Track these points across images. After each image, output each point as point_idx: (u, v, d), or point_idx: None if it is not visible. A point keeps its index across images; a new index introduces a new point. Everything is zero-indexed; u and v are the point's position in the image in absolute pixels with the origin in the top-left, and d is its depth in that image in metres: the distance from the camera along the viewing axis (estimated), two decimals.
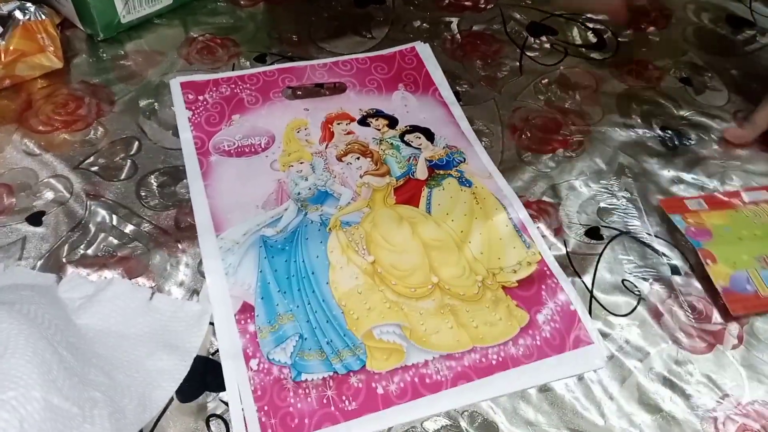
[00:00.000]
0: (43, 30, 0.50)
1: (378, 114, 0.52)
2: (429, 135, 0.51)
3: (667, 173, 0.50)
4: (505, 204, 0.46)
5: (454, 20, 0.62)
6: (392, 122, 0.52)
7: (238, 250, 0.42)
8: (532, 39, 0.61)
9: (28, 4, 0.50)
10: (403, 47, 0.58)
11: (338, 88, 0.54)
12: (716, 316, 0.42)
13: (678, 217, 0.46)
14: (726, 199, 0.48)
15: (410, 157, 0.49)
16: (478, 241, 0.44)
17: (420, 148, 0.50)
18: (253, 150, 0.48)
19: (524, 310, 0.41)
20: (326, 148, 0.49)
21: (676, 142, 0.53)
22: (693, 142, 0.53)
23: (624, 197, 0.48)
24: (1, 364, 0.27)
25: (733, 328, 0.41)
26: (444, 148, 0.50)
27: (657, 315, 0.42)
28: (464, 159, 0.49)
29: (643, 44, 0.62)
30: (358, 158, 0.49)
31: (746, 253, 0.44)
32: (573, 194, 0.48)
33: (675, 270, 0.44)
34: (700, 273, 0.44)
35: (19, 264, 0.41)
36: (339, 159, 0.48)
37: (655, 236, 0.46)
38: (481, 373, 0.38)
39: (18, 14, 0.49)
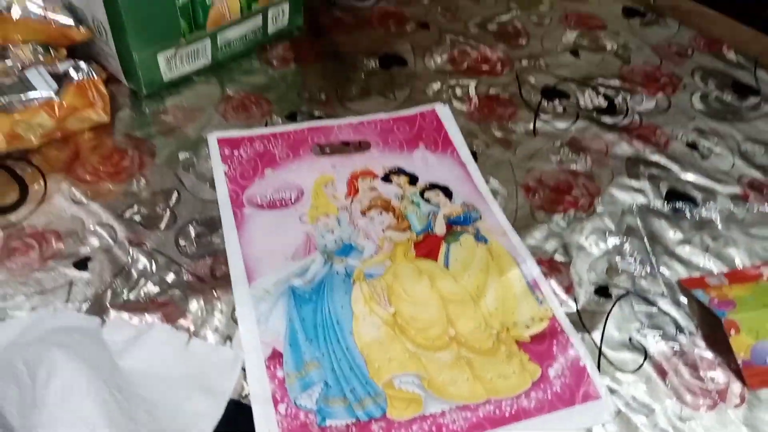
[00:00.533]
0: (94, 87, 0.54)
1: (400, 171, 0.55)
2: (447, 192, 0.54)
3: (674, 235, 0.53)
4: (518, 261, 0.49)
5: (472, 83, 0.66)
6: (413, 179, 0.55)
7: (269, 298, 0.45)
8: (546, 102, 0.64)
9: (82, 63, 0.55)
10: (423, 108, 0.62)
11: (363, 146, 0.58)
12: (720, 375, 0.44)
13: (700, 292, 0.47)
14: (746, 274, 0.50)
15: (429, 214, 0.52)
16: (493, 297, 0.47)
17: (439, 205, 0.53)
18: (283, 203, 0.52)
19: (536, 365, 0.43)
20: (351, 203, 0.52)
21: (682, 205, 0.56)
22: (699, 206, 0.56)
23: (632, 257, 0.51)
24: (71, 403, 0.30)
25: (736, 387, 0.44)
26: (461, 205, 0.53)
27: (662, 372, 0.44)
28: (480, 216, 0.52)
29: (652, 109, 0.65)
30: (381, 213, 0.52)
31: None
32: (583, 253, 0.51)
33: (680, 329, 0.47)
34: (705, 332, 0.46)
35: (66, 307, 0.44)
36: (363, 213, 0.52)
37: (662, 296, 0.48)
38: (495, 424, 0.41)
39: (72, 73, 0.54)
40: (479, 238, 0.51)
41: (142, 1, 0.54)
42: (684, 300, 0.48)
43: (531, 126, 0.62)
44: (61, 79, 0.53)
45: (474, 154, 0.58)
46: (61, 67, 0.54)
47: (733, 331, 0.44)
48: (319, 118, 0.60)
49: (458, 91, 0.65)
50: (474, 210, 0.53)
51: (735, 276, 0.50)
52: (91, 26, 0.57)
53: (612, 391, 0.43)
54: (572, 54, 0.71)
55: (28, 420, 0.32)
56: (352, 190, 0.54)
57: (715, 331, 0.46)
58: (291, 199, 0.52)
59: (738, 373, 0.44)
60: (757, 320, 0.45)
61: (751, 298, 0.47)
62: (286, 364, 0.42)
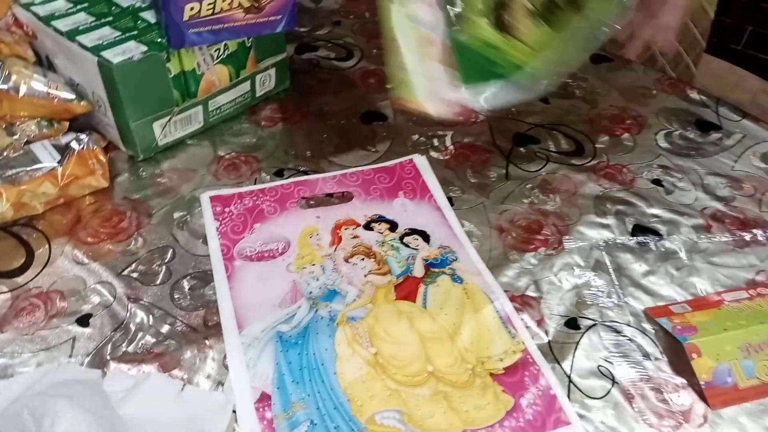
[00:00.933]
0: (94, 157, 0.59)
1: (381, 219, 0.59)
2: (425, 237, 0.58)
3: (639, 267, 0.56)
4: (492, 298, 0.52)
5: (448, 134, 0.70)
6: (393, 226, 0.59)
7: (258, 345, 0.48)
8: (517, 148, 0.69)
9: (82, 135, 0.59)
10: (402, 159, 0.66)
11: (346, 197, 0.62)
12: (684, 397, 0.47)
13: (665, 320, 0.50)
14: (708, 301, 0.53)
15: (409, 257, 0.56)
16: (469, 333, 0.50)
17: (417, 249, 0.57)
18: (271, 255, 0.55)
19: (510, 395, 0.46)
20: (335, 250, 0.56)
21: (647, 239, 0.59)
22: (663, 238, 0.59)
23: (599, 290, 0.54)
24: None
25: (699, 408, 0.46)
26: (438, 248, 0.57)
27: (629, 397, 0.47)
28: (456, 258, 0.56)
29: (619, 149, 0.69)
30: (363, 259, 0.55)
31: (730, 344, 0.47)
32: (553, 288, 0.54)
33: (646, 355, 0.49)
34: (670, 356, 0.49)
35: (69, 361, 0.47)
36: (346, 260, 0.55)
37: (628, 325, 0.51)
38: None
39: (74, 144, 0.58)
40: (455, 278, 0.54)
41: (137, 75, 0.59)
42: (649, 327, 0.51)
43: (504, 171, 0.66)
44: (64, 150, 0.58)
45: (450, 200, 0.62)
46: (63, 139, 0.59)
47: (694, 355, 0.47)
48: (305, 173, 0.64)
49: (435, 142, 0.69)
50: (450, 252, 0.57)
51: (698, 303, 0.53)
52: (91, 100, 0.62)
53: (581, 416, 0.45)
54: (542, 101, 0.76)
55: None
56: (336, 239, 0.57)
57: (680, 356, 0.48)
58: (278, 251, 0.56)
59: (701, 395, 0.46)
60: (718, 344, 0.48)
61: (712, 323, 0.50)
62: (274, 405, 0.45)
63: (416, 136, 0.70)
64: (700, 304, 0.52)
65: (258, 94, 0.72)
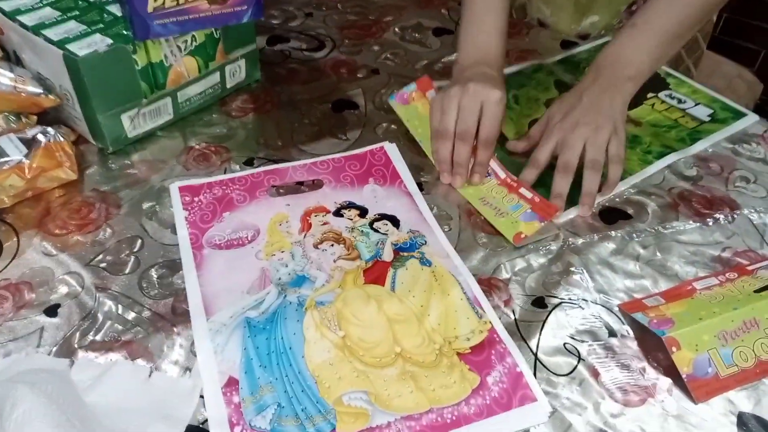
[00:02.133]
0: (61, 149, 0.59)
1: (350, 206, 0.60)
2: (395, 222, 0.58)
3: (607, 245, 0.57)
4: (460, 280, 0.53)
5: None
6: (363, 212, 0.59)
7: (225, 331, 0.48)
8: None
9: (49, 129, 0.59)
10: (373, 147, 0.66)
11: (316, 185, 0.62)
12: (650, 372, 0.47)
13: (640, 315, 0.50)
14: (680, 291, 0.53)
15: (378, 242, 0.56)
16: (436, 314, 0.50)
17: (387, 234, 0.57)
18: (240, 242, 0.55)
19: (476, 373, 0.47)
20: (304, 237, 0.56)
21: (616, 218, 0.59)
22: (632, 218, 0.60)
23: (567, 270, 0.55)
24: (27, 428, 0.33)
25: (664, 382, 0.47)
26: (408, 232, 0.57)
27: (595, 374, 0.47)
28: (425, 242, 0.56)
29: None
30: (332, 245, 0.56)
31: (707, 333, 0.47)
32: (521, 269, 0.55)
33: (612, 332, 0.50)
34: (636, 333, 0.50)
35: (37, 351, 0.47)
36: (315, 246, 0.56)
37: (594, 303, 0.52)
38: (437, 431, 0.43)
39: (41, 137, 0.58)
40: (424, 261, 0.55)
41: (104, 68, 0.59)
42: (615, 303, 0.52)
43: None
44: (30, 143, 0.58)
45: (420, 185, 0.62)
46: (30, 132, 0.58)
47: (674, 348, 0.47)
48: (276, 162, 0.64)
49: (406, 129, 0.69)
50: (420, 236, 0.57)
51: (670, 294, 0.52)
52: (59, 93, 0.62)
53: (547, 393, 0.46)
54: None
55: None
56: (306, 226, 0.58)
57: (645, 333, 0.49)
58: (248, 238, 0.56)
59: (672, 377, 0.47)
60: (695, 334, 0.47)
61: (687, 313, 0.49)
62: (242, 389, 0.45)
63: (386, 124, 0.70)
64: (673, 294, 0.52)
65: (228, 86, 0.72)
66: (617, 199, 0.62)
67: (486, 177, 0.62)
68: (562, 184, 0.59)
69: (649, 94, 0.74)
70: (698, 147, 0.67)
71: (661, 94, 0.74)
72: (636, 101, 0.67)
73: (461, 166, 0.61)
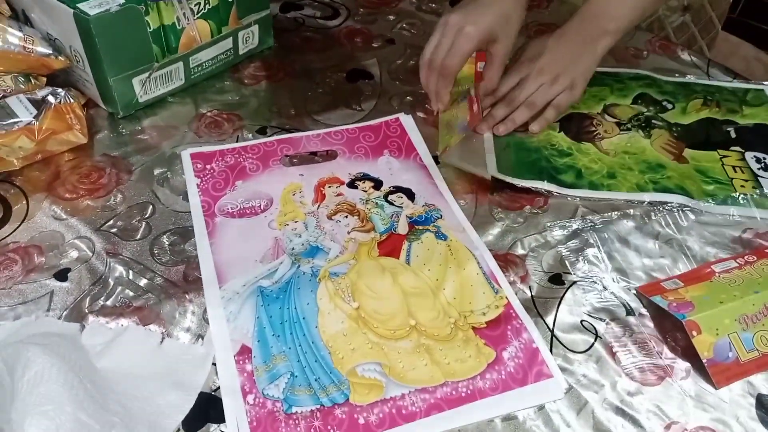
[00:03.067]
0: (71, 111, 0.58)
1: (365, 177, 0.58)
2: (410, 195, 0.57)
3: (626, 224, 0.56)
4: (476, 255, 0.52)
5: None
6: (377, 184, 0.58)
7: (238, 299, 0.48)
8: None
9: (59, 90, 0.58)
10: (388, 118, 0.65)
11: (330, 155, 0.61)
12: (666, 352, 0.47)
13: (658, 298, 0.49)
14: (699, 273, 0.51)
15: (393, 215, 0.55)
16: (452, 288, 0.49)
17: (402, 207, 0.56)
18: (253, 211, 0.55)
19: (491, 348, 0.46)
20: (318, 208, 0.55)
21: (633, 198, 0.58)
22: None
23: (584, 247, 0.54)
24: (41, 388, 0.32)
25: (681, 363, 0.46)
26: (423, 206, 0.56)
27: (612, 352, 0.47)
28: (441, 215, 0.55)
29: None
30: (347, 216, 0.55)
31: (728, 317, 0.46)
32: (538, 245, 0.54)
33: (629, 311, 0.49)
34: (653, 312, 0.49)
35: (47, 315, 0.46)
36: (329, 218, 0.55)
37: (612, 281, 0.51)
38: (452, 404, 0.43)
39: (50, 98, 0.57)
40: (439, 235, 0.54)
41: (116, 29, 0.58)
42: (633, 282, 0.51)
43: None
44: (40, 104, 0.57)
45: (436, 159, 0.61)
46: (40, 93, 0.57)
47: (694, 332, 0.46)
48: (289, 131, 0.63)
49: (422, 101, 0.68)
50: (435, 210, 0.56)
51: (689, 277, 0.51)
52: (69, 55, 0.61)
53: (564, 370, 0.45)
54: None
55: (6, 413, 0.34)
56: (320, 196, 0.57)
57: (662, 313, 0.48)
58: (261, 207, 0.55)
59: (689, 358, 0.46)
60: (716, 318, 0.46)
61: (706, 297, 0.48)
62: (255, 358, 0.45)
63: (402, 95, 0.69)
64: (692, 277, 0.51)
65: (241, 52, 0.71)
66: None
67: (460, 102, 0.64)
68: (499, 111, 0.63)
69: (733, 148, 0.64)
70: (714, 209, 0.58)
71: (748, 155, 0.63)
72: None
73: (429, 92, 0.63)
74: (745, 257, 0.53)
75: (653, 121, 0.66)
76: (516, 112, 0.63)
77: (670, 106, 0.68)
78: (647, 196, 0.58)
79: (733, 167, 0.62)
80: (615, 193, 0.58)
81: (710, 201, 0.58)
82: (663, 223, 0.56)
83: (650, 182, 0.59)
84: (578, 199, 0.58)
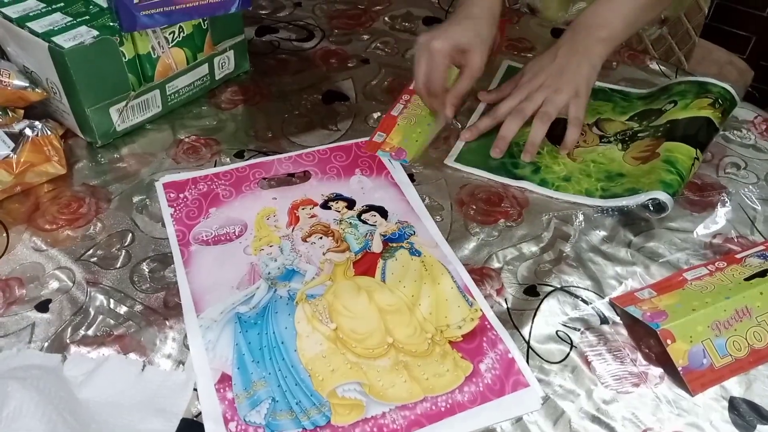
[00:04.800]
0: (49, 143, 0.58)
1: (338, 197, 0.59)
2: (383, 213, 0.58)
3: (598, 233, 0.57)
4: (449, 269, 0.53)
5: None
6: (350, 204, 0.59)
7: (216, 327, 0.48)
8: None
9: (36, 123, 0.59)
10: (359, 140, 0.66)
11: (307, 176, 0.62)
12: (641, 359, 0.48)
13: (632, 308, 0.50)
14: (671, 282, 0.52)
15: (367, 234, 0.56)
16: (427, 303, 0.50)
17: (375, 225, 0.57)
18: (228, 238, 0.55)
19: (468, 361, 0.47)
20: (292, 231, 0.56)
21: (606, 207, 0.59)
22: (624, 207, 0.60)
23: (558, 258, 0.55)
24: (18, 422, 0.33)
25: (656, 369, 0.47)
26: (396, 223, 0.57)
27: (587, 361, 0.47)
28: (414, 232, 0.56)
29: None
30: (321, 238, 0.56)
31: (701, 324, 0.47)
32: (513, 258, 0.55)
33: (604, 320, 0.50)
34: (626, 321, 0.50)
35: (29, 347, 0.47)
36: (304, 240, 0.55)
37: (586, 290, 0.52)
38: (432, 419, 0.44)
39: (27, 131, 0.58)
40: (413, 251, 0.55)
41: (91, 61, 0.58)
42: (606, 290, 0.52)
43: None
44: (18, 137, 0.57)
45: (411, 176, 0.62)
46: (17, 127, 0.58)
47: (669, 341, 0.46)
48: (266, 154, 0.64)
49: None
50: (408, 226, 0.57)
51: (662, 286, 0.52)
52: (45, 87, 0.61)
53: (540, 380, 0.46)
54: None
55: None
56: (293, 219, 0.57)
57: (636, 322, 0.49)
58: (235, 233, 0.56)
59: (664, 365, 0.47)
60: (689, 326, 0.47)
61: (679, 305, 0.49)
62: (235, 385, 0.45)
63: (377, 114, 0.70)
64: (665, 286, 0.52)
65: (217, 77, 0.72)
66: None
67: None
68: (510, 126, 0.64)
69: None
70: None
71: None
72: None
73: (437, 111, 0.66)
74: (716, 264, 0.54)
75: (639, 134, 0.65)
76: (532, 130, 0.62)
77: (670, 106, 0.67)
78: (589, 201, 0.60)
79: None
80: (559, 194, 0.60)
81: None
82: (634, 231, 0.57)
83: (600, 189, 0.60)
84: (525, 191, 0.61)
